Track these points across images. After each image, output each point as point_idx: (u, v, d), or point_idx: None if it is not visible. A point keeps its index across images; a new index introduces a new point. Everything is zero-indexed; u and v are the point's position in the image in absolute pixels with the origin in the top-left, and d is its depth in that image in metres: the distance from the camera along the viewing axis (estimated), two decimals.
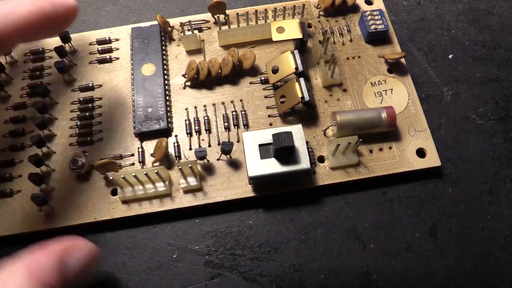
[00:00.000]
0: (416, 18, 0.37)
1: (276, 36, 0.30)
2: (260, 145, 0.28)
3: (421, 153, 0.30)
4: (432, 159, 0.29)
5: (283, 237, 0.28)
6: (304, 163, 0.27)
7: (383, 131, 0.29)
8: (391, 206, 0.29)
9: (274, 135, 0.27)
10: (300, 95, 0.29)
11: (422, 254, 0.28)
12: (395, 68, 0.32)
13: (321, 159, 0.29)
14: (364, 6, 0.35)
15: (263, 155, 0.27)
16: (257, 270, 0.27)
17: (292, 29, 0.31)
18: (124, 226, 0.28)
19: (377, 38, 0.33)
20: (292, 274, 0.27)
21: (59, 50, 0.32)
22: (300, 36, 0.30)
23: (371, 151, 0.30)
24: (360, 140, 0.27)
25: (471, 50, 0.35)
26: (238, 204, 0.29)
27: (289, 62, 0.30)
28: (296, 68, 0.30)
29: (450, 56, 0.35)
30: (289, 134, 0.26)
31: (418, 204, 0.29)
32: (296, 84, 0.29)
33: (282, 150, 0.26)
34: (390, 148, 0.30)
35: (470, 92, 0.33)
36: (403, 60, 0.33)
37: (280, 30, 0.31)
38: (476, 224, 0.29)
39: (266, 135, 0.28)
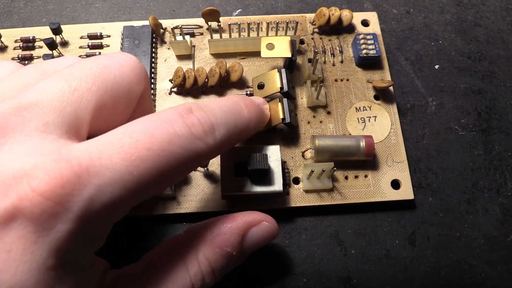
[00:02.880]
0: (405, 27, 0.37)
1: (265, 53, 0.30)
2: (236, 163, 0.28)
3: (395, 184, 0.30)
4: (406, 192, 0.30)
5: None
6: (277, 186, 0.27)
7: (360, 159, 0.30)
8: (373, 213, 0.30)
9: (249, 156, 0.27)
10: (281, 116, 0.29)
11: (401, 260, 0.29)
12: (382, 95, 0.32)
13: (296, 181, 0.30)
14: (360, 28, 0.35)
15: (238, 173, 0.28)
16: (241, 273, 0.28)
17: (282, 47, 0.30)
18: None
19: (368, 63, 0.33)
20: (275, 278, 0.28)
21: (49, 43, 0.32)
22: (289, 55, 0.30)
23: (346, 178, 0.30)
24: (335, 168, 0.28)
25: (456, 61, 0.36)
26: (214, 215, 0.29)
27: (275, 80, 0.30)
28: (281, 88, 0.29)
29: (436, 67, 0.35)
30: (264, 157, 0.26)
31: (399, 212, 0.30)
32: (279, 104, 0.29)
33: (256, 171, 0.27)
34: (365, 176, 0.30)
35: (454, 103, 0.34)
36: (391, 88, 0.33)
37: (270, 46, 0.31)
38: (453, 232, 0.30)
39: (243, 154, 0.28)
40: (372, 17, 0.35)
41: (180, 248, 0.22)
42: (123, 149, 0.17)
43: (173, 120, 0.19)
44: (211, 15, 0.33)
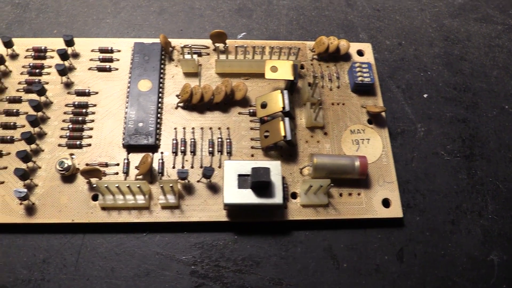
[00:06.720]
0: (397, 57, 0.40)
1: (269, 74, 0.32)
2: (239, 175, 0.29)
3: (386, 203, 0.32)
4: (395, 210, 0.32)
5: (265, 252, 0.30)
6: (278, 198, 0.29)
7: (354, 178, 0.32)
8: (364, 229, 0.32)
9: (253, 169, 0.28)
10: (283, 134, 0.31)
11: (389, 275, 0.31)
12: (375, 119, 0.35)
13: (294, 195, 0.31)
14: (355, 57, 0.38)
15: (241, 185, 0.29)
16: (239, 282, 0.29)
17: (285, 70, 0.33)
18: (106, 231, 0.30)
19: (362, 89, 0.35)
20: (271, 287, 0.29)
21: (62, 53, 0.33)
22: (292, 78, 0.32)
23: (341, 195, 0.32)
24: (332, 184, 0.30)
25: (443, 91, 0.39)
26: (215, 224, 0.30)
27: (277, 100, 0.32)
28: (283, 108, 0.31)
29: (425, 95, 0.38)
30: (267, 170, 0.28)
31: (388, 229, 0.32)
32: (281, 123, 0.31)
33: (259, 183, 0.28)
34: (358, 194, 0.32)
35: (441, 130, 0.37)
36: (383, 113, 0.35)
37: (274, 69, 0.33)
38: (438, 250, 0.32)
39: (246, 167, 0.30)
40: (367, 47, 0.38)
41: None
42: None
43: None
44: (218, 37, 0.35)
